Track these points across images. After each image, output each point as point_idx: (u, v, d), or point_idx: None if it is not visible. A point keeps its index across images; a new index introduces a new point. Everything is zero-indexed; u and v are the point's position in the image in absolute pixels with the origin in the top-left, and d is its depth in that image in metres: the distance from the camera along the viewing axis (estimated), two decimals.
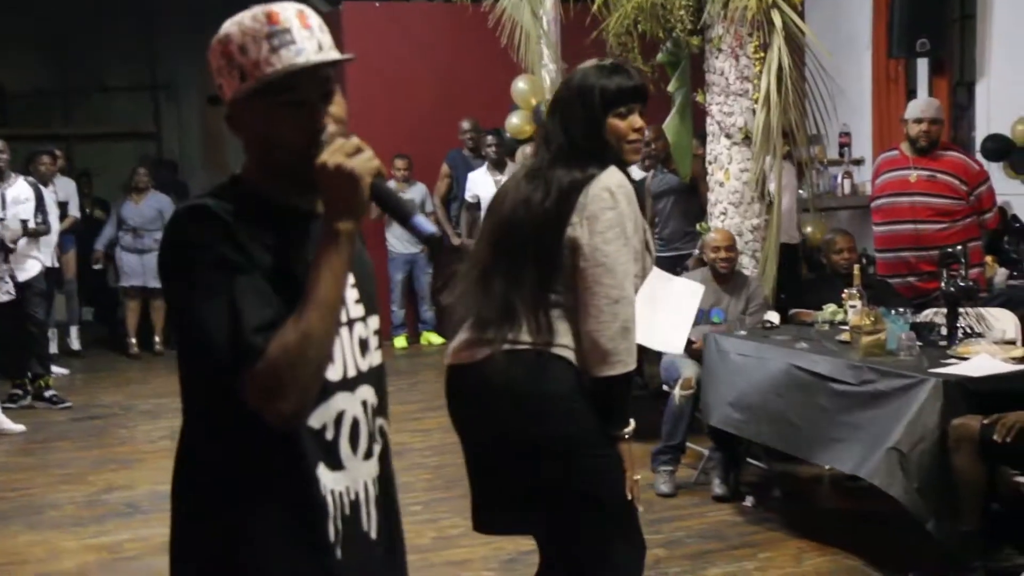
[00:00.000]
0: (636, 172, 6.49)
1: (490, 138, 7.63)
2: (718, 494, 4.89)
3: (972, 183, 5.17)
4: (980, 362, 3.94)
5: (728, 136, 5.32)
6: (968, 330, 4.36)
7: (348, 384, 1.56)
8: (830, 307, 4.88)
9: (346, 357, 1.56)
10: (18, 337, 6.59)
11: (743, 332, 4.81)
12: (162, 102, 11.96)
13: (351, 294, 1.58)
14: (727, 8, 5.10)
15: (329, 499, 1.55)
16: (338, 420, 1.55)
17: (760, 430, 4.60)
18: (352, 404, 1.58)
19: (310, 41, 1.48)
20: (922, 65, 7.59)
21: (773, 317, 5.04)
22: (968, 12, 7.77)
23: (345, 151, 1.48)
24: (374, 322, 1.64)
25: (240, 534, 1.50)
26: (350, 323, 1.57)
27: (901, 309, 4.52)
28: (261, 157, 1.56)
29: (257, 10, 1.51)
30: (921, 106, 5.35)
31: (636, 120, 2.46)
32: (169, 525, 1.58)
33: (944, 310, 4.46)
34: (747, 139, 5.30)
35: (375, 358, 1.64)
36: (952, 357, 4.03)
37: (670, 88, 5.77)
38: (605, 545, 2.37)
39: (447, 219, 8.10)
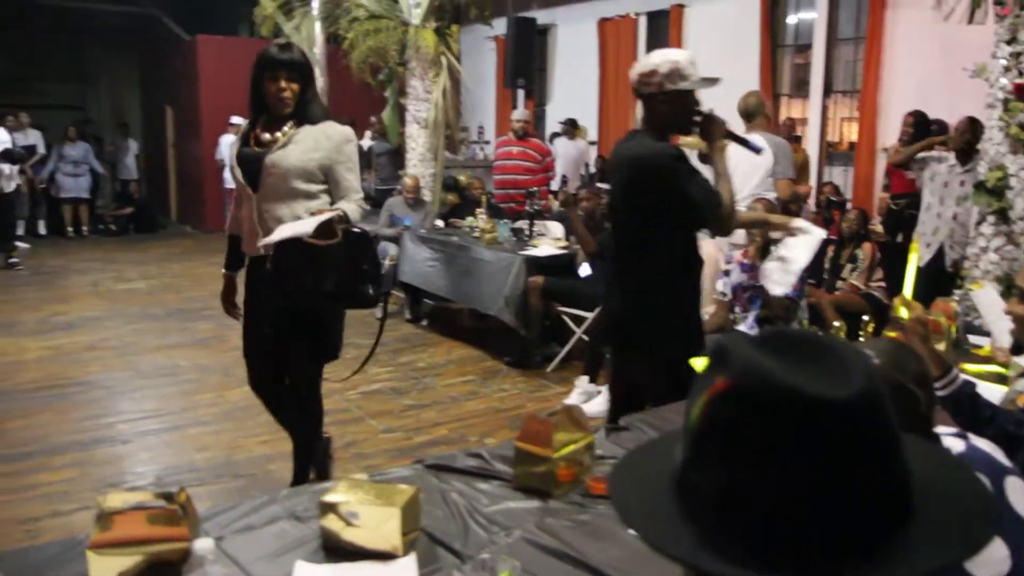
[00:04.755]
0: (365, 142, 8.52)
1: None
2: (408, 318, 6.50)
3: (544, 155, 6.73)
4: (543, 248, 5.59)
5: (418, 123, 7.34)
6: (539, 232, 6.00)
7: None
8: (470, 218, 6.43)
9: None
10: None
11: (423, 231, 6.37)
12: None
13: None
14: (418, 52, 7.18)
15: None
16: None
17: (430, 283, 6.06)
18: None
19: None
20: (521, 92, 9.80)
21: (439, 223, 6.65)
22: (542, 67, 10.95)
23: (711, 116, 2.64)
24: None
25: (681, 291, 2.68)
26: None
27: (506, 220, 6.10)
28: (669, 120, 2.60)
29: (684, 52, 2.60)
30: (519, 113, 6.91)
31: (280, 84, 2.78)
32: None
33: (528, 222, 6.02)
34: (427, 126, 7.35)
35: None
36: (530, 246, 5.65)
37: (386, 94, 8.01)
38: None
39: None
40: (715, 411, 0.70)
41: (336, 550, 1.67)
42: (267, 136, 2.86)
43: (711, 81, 2.58)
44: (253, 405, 4.69)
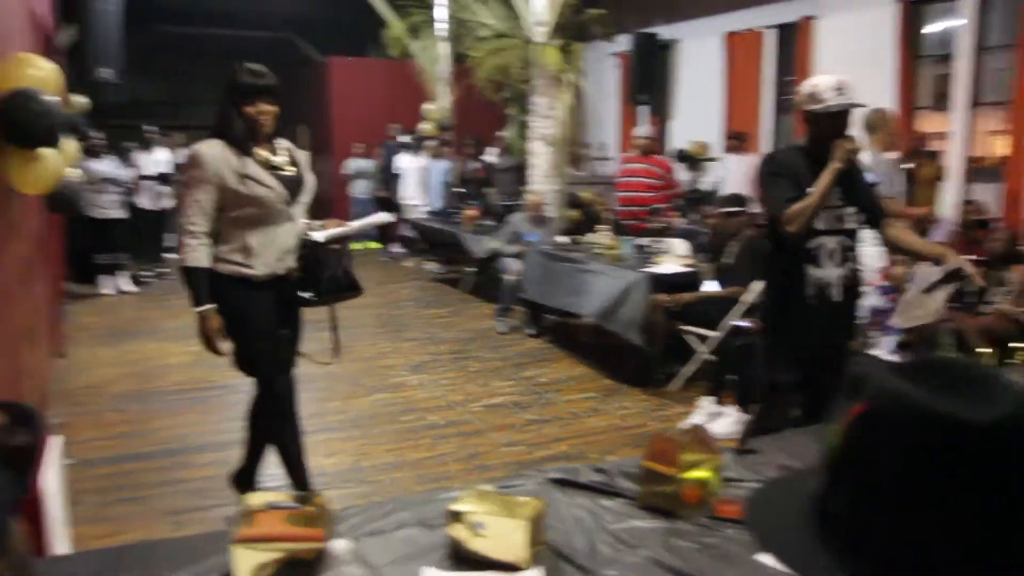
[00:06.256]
0: (489, 158, 8.68)
1: (409, 137, 9.94)
2: (530, 333, 6.57)
3: (667, 173, 6.69)
4: (666, 266, 5.55)
5: (541, 140, 7.40)
6: (662, 249, 5.85)
7: (826, 233, 2.89)
8: (592, 235, 6.42)
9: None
10: None
11: (546, 247, 6.43)
12: None
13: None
14: (542, 69, 7.24)
15: (811, 278, 2.93)
16: (820, 245, 2.91)
17: (552, 299, 6.11)
18: (829, 241, 2.91)
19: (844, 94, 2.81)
20: (644, 109, 9.83)
21: (562, 239, 6.66)
22: (665, 82, 10.71)
23: (843, 141, 2.84)
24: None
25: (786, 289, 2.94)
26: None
27: (629, 237, 6.09)
28: (814, 138, 2.88)
29: (830, 77, 2.81)
30: (643, 130, 6.84)
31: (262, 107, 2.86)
32: None
33: (651, 238, 6.00)
34: (550, 143, 7.41)
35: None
36: (652, 263, 5.60)
37: (510, 111, 8.17)
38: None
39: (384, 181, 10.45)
40: (852, 436, 0.69)
41: (462, 559, 1.69)
42: (276, 159, 3.00)
43: (844, 106, 2.78)
44: (379, 414, 4.88)
